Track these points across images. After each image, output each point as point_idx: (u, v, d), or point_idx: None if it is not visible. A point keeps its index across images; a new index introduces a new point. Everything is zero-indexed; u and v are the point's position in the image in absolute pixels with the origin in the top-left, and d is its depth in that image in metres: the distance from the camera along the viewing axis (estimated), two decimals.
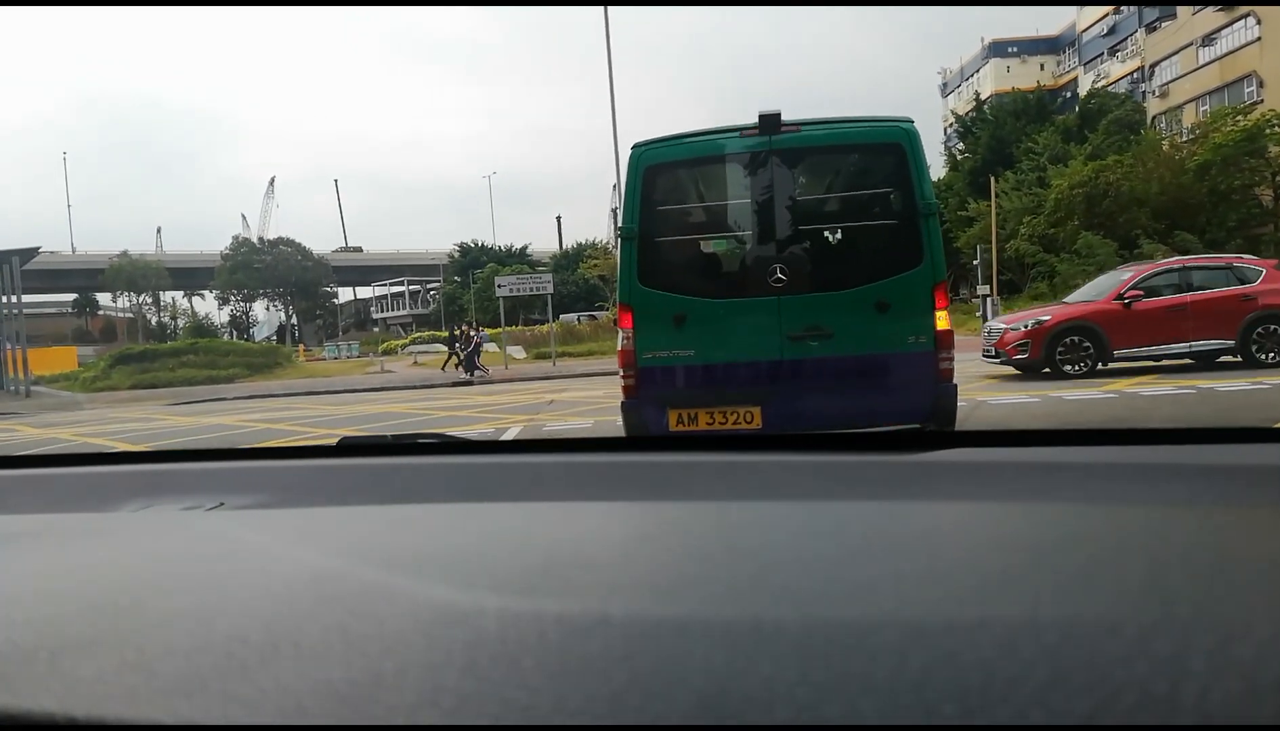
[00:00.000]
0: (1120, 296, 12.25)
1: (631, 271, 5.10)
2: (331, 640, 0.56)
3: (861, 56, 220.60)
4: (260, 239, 79.75)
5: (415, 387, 21.36)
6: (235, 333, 75.39)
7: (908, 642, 0.50)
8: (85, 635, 0.59)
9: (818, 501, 1.05)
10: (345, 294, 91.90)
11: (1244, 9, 37.60)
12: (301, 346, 56.12)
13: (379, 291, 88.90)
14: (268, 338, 79.63)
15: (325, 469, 1.47)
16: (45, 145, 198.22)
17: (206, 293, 79.40)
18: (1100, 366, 12.03)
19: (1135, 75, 50.32)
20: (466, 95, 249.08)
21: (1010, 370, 12.50)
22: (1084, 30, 59.74)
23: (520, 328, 41.78)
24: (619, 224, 5.47)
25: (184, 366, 32.30)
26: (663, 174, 5.25)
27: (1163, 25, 46.74)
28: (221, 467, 1.53)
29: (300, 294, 77.22)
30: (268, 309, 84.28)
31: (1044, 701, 0.43)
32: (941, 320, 4.89)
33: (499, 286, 26.76)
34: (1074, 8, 60.11)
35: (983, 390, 11.04)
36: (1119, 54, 54.81)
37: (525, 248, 69.56)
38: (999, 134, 39.70)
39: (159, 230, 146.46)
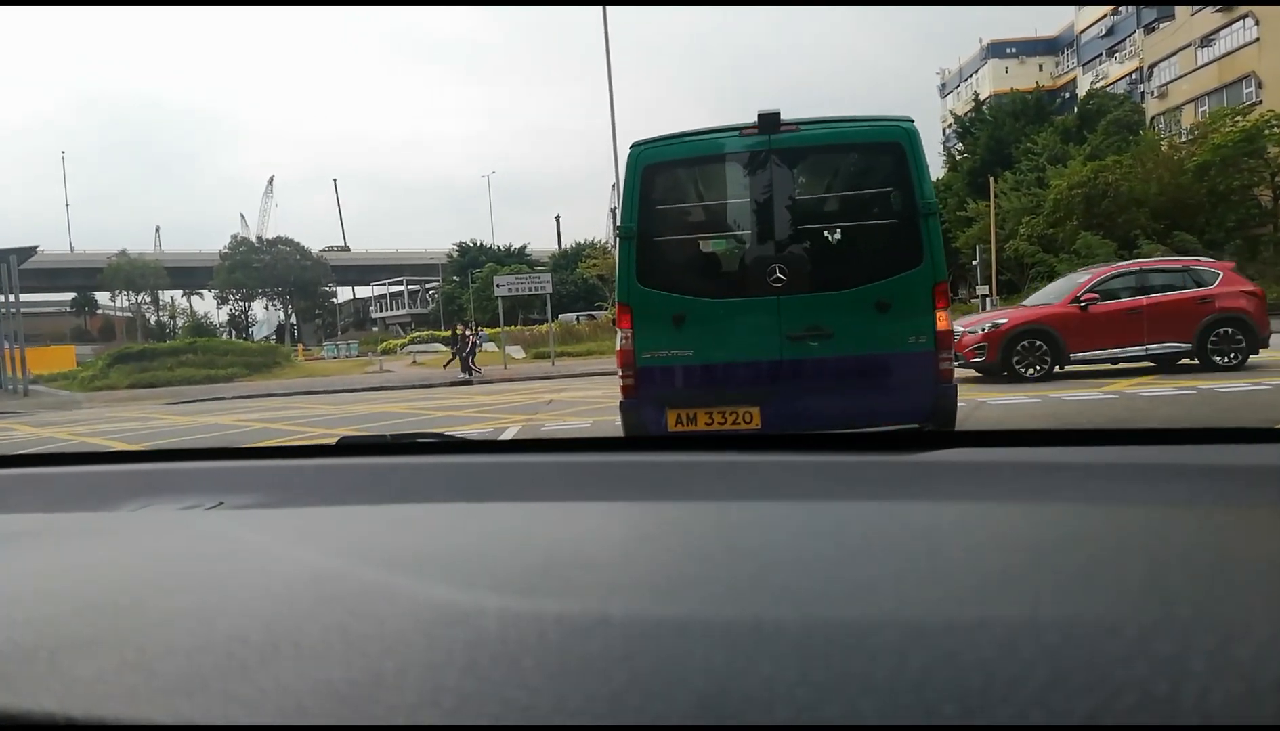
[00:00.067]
0: (1076, 299, 12.26)
1: (630, 271, 5.09)
2: (331, 640, 0.56)
3: (861, 56, 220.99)
4: (259, 238, 79.74)
5: (414, 387, 21.37)
6: (234, 332, 75.41)
7: (908, 642, 0.50)
8: (85, 635, 0.59)
9: (817, 501, 1.04)
10: (344, 293, 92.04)
11: (1243, 9, 37.66)
12: (300, 346, 56.13)
13: (378, 291, 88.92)
14: (266, 337, 79.60)
15: (325, 468, 1.47)
16: (45, 145, 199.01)
17: (205, 292, 79.47)
18: (1057, 369, 12.01)
19: (1134, 76, 50.36)
20: (466, 95, 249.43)
21: (970, 373, 12.39)
22: (1082, 31, 59.77)
23: (519, 327, 41.80)
24: (618, 223, 5.46)
25: (182, 366, 32.30)
26: (661, 173, 5.23)
27: (1161, 26, 46.79)
28: (221, 467, 1.53)
29: (299, 293, 77.25)
30: (266, 308, 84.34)
31: (1044, 701, 0.43)
32: (942, 320, 4.89)
33: (498, 286, 26.75)
34: (1072, 8, 60.18)
35: (978, 391, 11.04)
36: (1117, 55, 54.83)
37: (524, 247, 69.57)
38: (998, 134, 39.74)
39: (158, 229, 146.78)
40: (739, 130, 5.05)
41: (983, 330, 12.36)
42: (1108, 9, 55.33)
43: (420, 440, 1.64)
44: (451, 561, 0.76)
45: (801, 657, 0.49)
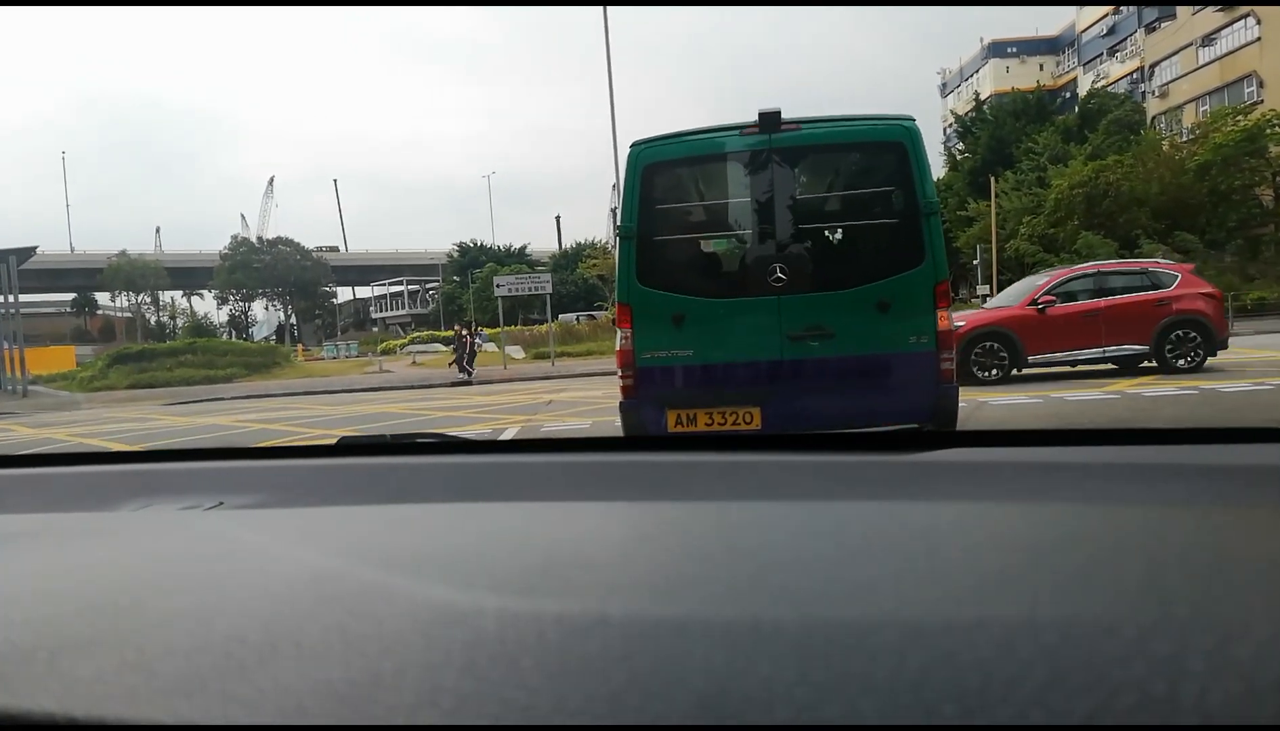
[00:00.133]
0: (1034, 302, 12.22)
1: (630, 271, 5.08)
2: (331, 640, 0.56)
3: (861, 56, 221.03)
4: (259, 239, 79.77)
5: (414, 387, 21.37)
6: (234, 332, 75.46)
7: (907, 642, 0.50)
8: (84, 635, 0.59)
9: (817, 501, 1.04)
10: (344, 293, 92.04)
11: (1244, 9, 37.65)
12: (300, 346, 56.16)
13: (378, 291, 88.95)
14: (266, 337, 79.66)
15: (324, 468, 1.47)
16: (45, 145, 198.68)
17: (205, 292, 79.50)
18: (1015, 372, 11.96)
19: (1135, 75, 50.38)
20: (466, 95, 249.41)
21: None
22: (1083, 30, 59.80)
23: (519, 327, 41.80)
24: (618, 223, 5.45)
25: (182, 366, 32.29)
26: (661, 173, 5.22)
27: (1162, 25, 46.81)
28: (220, 467, 1.53)
29: (299, 293, 77.28)
30: (266, 308, 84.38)
31: (1043, 701, 0.43)
32: (943, 320, 4.88)
33: (498, 286, 26.74)
34: (1073, 8, 60.19)
35: (979, 391, 11.04)
36: (1118, 54, 54.86)
37: (524, 247, 69.60)
38: (999, 134, 39.76)
39: (158, 230, 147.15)
40: (740, 129, 5.04)
41: None
42: (1109, 9, 55.35)
43: (419, 440, 1.64)
44: (450, 561, 0.76)
45: (801, 657, 0.49)
